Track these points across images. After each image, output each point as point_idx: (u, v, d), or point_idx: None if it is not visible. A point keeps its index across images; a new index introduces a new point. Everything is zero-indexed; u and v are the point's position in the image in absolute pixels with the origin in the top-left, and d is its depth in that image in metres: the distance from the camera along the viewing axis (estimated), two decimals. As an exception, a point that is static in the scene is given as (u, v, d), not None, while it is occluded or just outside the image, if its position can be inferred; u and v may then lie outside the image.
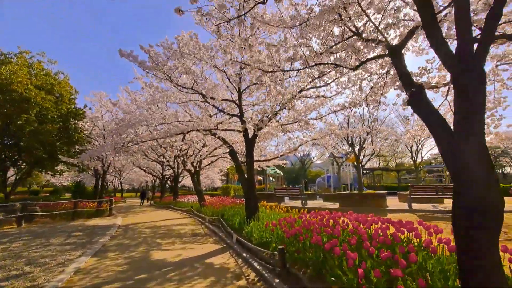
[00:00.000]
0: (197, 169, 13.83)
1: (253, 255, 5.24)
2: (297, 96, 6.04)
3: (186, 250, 6.08)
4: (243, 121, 7.10)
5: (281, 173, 34.06)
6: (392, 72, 4.18)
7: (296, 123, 8.63)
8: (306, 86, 6.68)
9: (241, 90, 7.98)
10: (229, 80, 7.49)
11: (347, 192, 15.61)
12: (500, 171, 43.20)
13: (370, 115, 5.01)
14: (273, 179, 37.16)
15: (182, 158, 12.59)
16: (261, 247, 5.29)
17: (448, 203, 11.16)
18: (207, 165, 16.17)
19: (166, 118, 9.53)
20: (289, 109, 6.28)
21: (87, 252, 5.91)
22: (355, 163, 24.96)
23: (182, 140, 12.55)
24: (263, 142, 10.86)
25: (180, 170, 19.86)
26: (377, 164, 41.77)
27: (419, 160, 23.21)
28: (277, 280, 3.79)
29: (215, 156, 14.02)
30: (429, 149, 23.22)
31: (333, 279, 3.08)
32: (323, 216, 5.21)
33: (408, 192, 14.29)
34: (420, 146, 21.49)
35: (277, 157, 9.36)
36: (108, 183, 35.60)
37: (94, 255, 5.75)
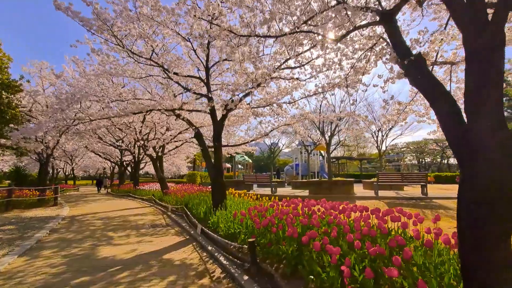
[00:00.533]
0: (159, 154, 12.71)
1: (220, 248, 4.71)
2: (274, 71, 5.48)
3: (143, 244, 5.32)
4: (211, 98, 6.36)
5: (250, 161, 33.79)
6: (377, 48, 3.80)
7: (268, 107, 8.15)
8: (284, 62, 6.14)
9: (209, 67, 7.16)
10: (195, 52, 6.62)
11: (317, 179, 15.80)
12: (446, 162, 48.29)
13: (348, 96, 4.64)
14: (241, 167, 36.79)
15: (142, 142, 11.37)
16: (228, 239, 4.78)
17: (407, 190, 11.77)
18: (171, 150, 15.05)
19: (122, 96, 8.33)
20: (264, 87, 5.71)
21: (15, 250, 4.84)
22: (322, 151, 25.61)
23: (143, 122, 11.31)
24: (232, 127, 10.20)
25: (141, 156, 18.36)
26: (341, 153, 43.79)
27: (382, 149, 24.57)
28: (246, 278, 3.31)
29: (180, 140, 13.00)
30: (393, 139, 24.60)
31: (311, 277, 2.67)
32: (296, 205, 4.83)
33: (372, 180, 14.90)
34: (385, 136, 22.71)
35: (247, 142, 8.82)
36: (59, 170, 32.07)
37: (24, 254, 4.72)
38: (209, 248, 4.78)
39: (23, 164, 24.88)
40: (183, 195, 10.07)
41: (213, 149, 7.24)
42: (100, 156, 22.14)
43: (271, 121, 8.84)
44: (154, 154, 12.54)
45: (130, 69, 7.64)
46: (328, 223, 3.42)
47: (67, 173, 33.10)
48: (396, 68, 4.06)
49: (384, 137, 22.78)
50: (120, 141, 16.90)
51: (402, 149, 54.56)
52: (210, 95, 6.91)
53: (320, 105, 17.37)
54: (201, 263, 4.15)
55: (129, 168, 26.19)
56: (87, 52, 5.99)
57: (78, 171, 39.30)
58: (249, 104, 7.81)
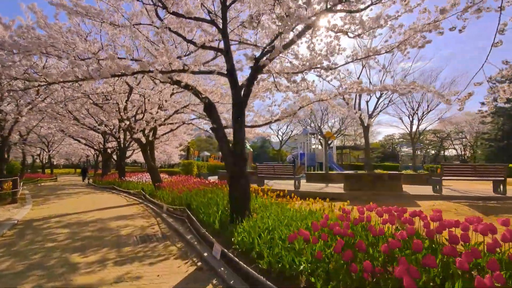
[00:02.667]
0: (150, 139, 10.27)
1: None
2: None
3: (125, 284, 3.10)
4: (228, 46, 4.07)
5: (251, 149, 31.38)
6: None
7: (301, 74, 5.95)
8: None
9: (228, 5, 4.79)
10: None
11: (353, 172, 13.69)
12: (443, 153, 47.76)
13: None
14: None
15: (127, 123, 8.90)
16: (281, 278, 2.66)
17: (447, 185, 9.83)
18: (164, 134, 12.61)
19: (99, 55, 5.89)
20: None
21: None
22: (324, 138, 23.62)
23: (128, 96, 8.81)
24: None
25: (127, 142, 15.79)
26: (340, 143, 42.26)
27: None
28: None
29: (176, 123, 10.60)
30: (430, 123, 21.58)
31: None
32: (404, 220, 2.72)
33: (404, 172, 12.97)
34: (421, 119, 20.72)
35: (270, 122, 6.60)
36: (35, 157, 28.89)
37: None
38: (248, 297, 2.63)
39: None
40: (182, 191, 7.83)
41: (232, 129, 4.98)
42: (79, 141, 19.37)
43: (306, 94, 6.67)
44: (143, 139, 10.10)
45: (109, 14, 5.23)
46: None
47: (44, 161, 29.90)
48: None
49: (419, 121, 20.75)
50: (103, 125, 14.27)
51: (399, 140, 53.83)
52: (227, 50, 4.63)
53: (360, 72, 15.19)
54: None
55: (115, 156, 23.51)
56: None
57: (59, 159, 36.03)
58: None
